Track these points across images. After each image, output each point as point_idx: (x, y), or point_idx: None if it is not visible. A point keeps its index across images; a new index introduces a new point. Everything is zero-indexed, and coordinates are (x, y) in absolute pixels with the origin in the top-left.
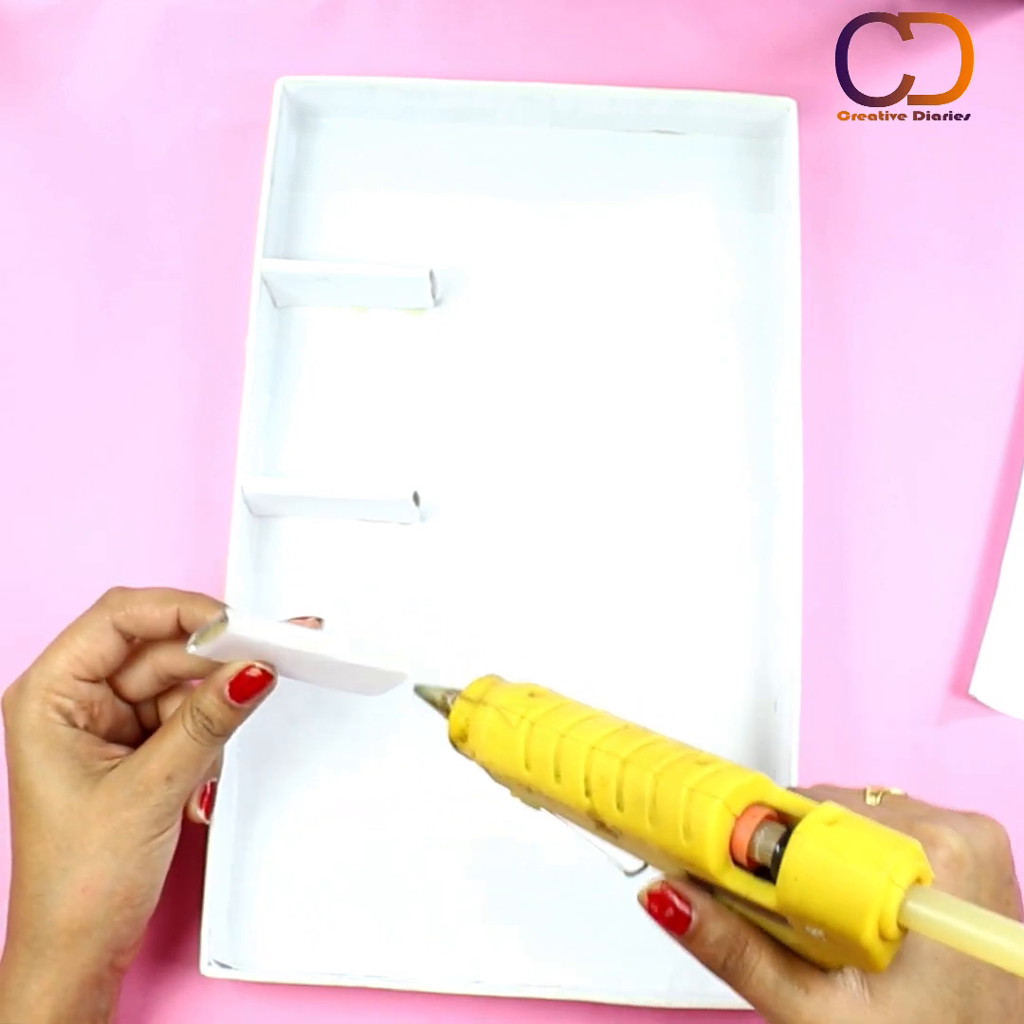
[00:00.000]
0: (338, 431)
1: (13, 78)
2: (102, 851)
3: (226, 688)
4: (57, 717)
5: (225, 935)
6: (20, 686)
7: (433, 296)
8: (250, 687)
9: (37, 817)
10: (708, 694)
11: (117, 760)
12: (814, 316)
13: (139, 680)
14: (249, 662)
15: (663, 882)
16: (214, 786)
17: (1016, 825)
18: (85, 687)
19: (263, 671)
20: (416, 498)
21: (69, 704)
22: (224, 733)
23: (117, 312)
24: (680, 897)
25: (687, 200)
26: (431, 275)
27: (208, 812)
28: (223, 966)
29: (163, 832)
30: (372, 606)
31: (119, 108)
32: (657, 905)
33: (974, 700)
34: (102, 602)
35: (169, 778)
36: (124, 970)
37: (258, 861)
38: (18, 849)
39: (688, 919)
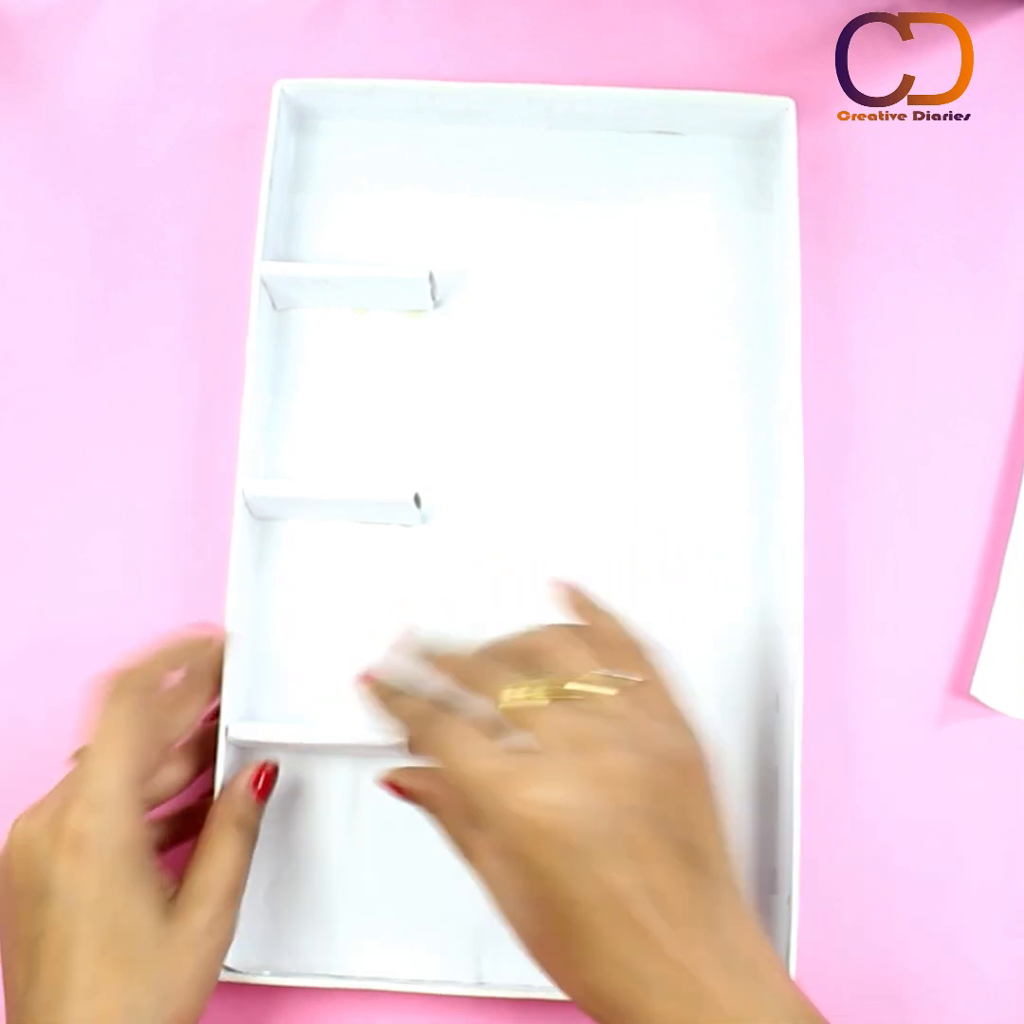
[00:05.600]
0: (339, 433)
1: (13, 78)
2: (190, 985)
3: (251, 789)
4: (143, 834)
5: None
6: (98, 795)
7: (433, 298)
8: (269, 781)
9: (123, 949)
10: (710, 693)
11: (171, 884)
12: (813, 316)
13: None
14: (261, 762)
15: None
16: (274, 770)
17: (1016, 825)
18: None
19: (274, 765)
20: (417, 500)
21: (144, 817)
22: (256, 834)
23: (117, 313)
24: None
25: (687, 201)
26: (431, 277)
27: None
28: (227, 969)
29: (226, 955)
30: (373, 608)
31: (119, 109)
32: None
33: (974, 700)
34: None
35: (234, 895)
36: None
37: (259, 864)
38: (94, 986)
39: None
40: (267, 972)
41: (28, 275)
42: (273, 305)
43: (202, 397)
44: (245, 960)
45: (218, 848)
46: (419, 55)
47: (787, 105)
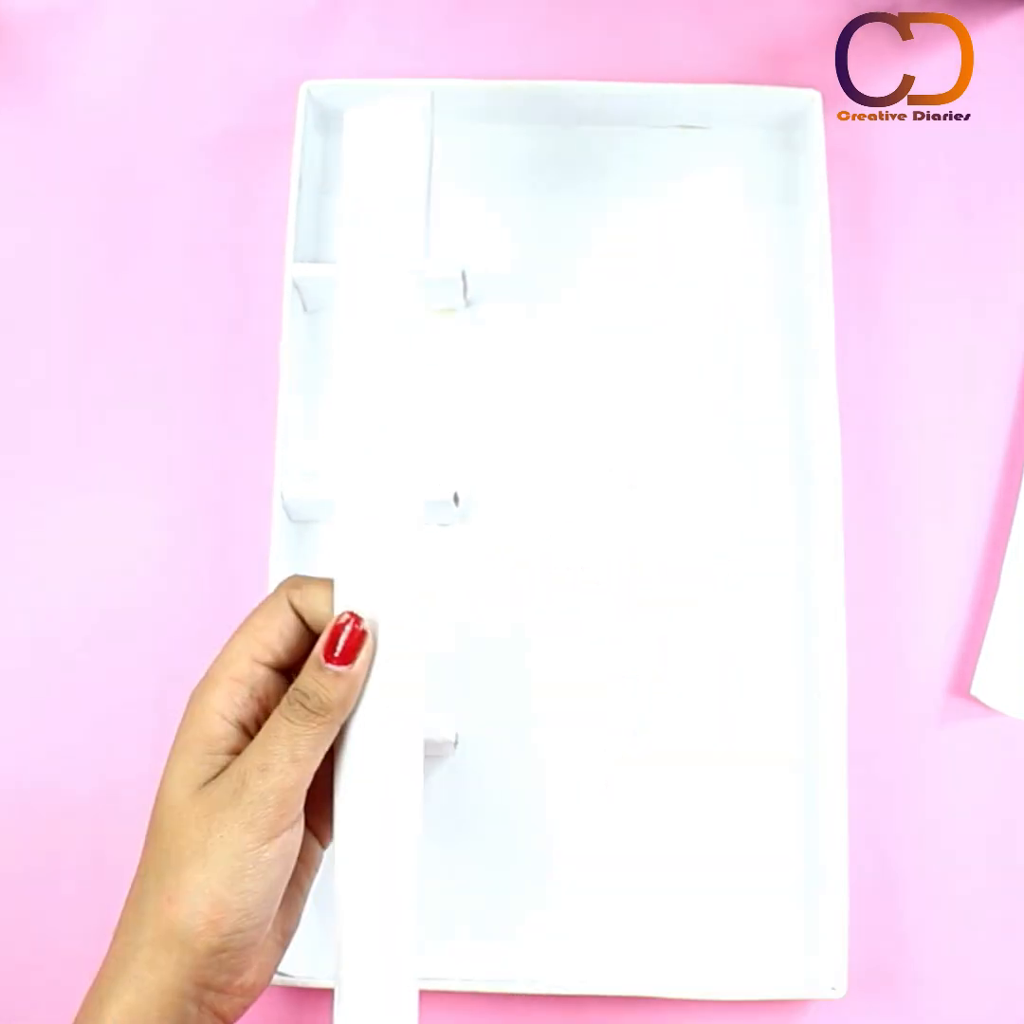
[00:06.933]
0: None
1: (14, 78)
2: (194, 858)
3: (321, 652)
4: (224, 708)
5: None
6: (205, 676)
7: (464, 296)
8: (348, 643)
9: (154, 815)
10: (749, 688)
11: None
12: None
13: None
14: (340, 615)
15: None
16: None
17: (1017, 826)
18: (261, 672)
19: (354, 620)
20: (456, 498)
21: (243, 693)
22: (323, 709)
23: (137, 322)
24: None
25: (713, 194)
26: (463, 275)
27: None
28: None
29: (261, 845)
30: None
31: (118, 111)
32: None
33: (974, 700)
34: (280, 584)
35: (264, 768)
36: (227, 1018)
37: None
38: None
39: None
40: (315, 975)
41: (35, 277)
42: (304, 307)
43: (235, 402)
44: (294, 963)
45: (264, 726)
46: (421, 56)
47: (814, 96)
